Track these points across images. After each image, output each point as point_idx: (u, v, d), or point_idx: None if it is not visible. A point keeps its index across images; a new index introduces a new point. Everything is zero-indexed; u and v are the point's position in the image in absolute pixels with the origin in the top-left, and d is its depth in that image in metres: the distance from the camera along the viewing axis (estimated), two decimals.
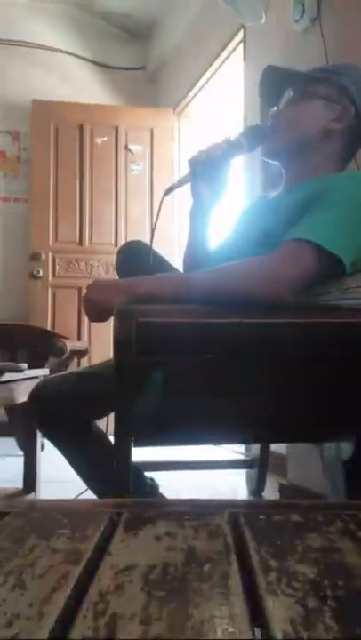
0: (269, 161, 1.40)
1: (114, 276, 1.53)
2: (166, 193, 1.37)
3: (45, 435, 1.38)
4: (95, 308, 1.15)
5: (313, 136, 1.30)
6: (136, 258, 1.40)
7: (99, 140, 4.05)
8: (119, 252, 1.48)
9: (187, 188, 1.44)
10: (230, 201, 1.50)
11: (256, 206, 1.47)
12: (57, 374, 1.51)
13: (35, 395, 1.34)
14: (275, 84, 1.39)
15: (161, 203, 1.33)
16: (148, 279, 1.15)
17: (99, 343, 3.59)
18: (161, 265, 1.42)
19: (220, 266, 1.14)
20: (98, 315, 1.15)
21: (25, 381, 1.91)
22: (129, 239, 3.98)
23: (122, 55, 4.36)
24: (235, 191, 3.42)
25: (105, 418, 1.32)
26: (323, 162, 1.31)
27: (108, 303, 1.08)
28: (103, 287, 1.17)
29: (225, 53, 3.34)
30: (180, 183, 1.42)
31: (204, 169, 1.36)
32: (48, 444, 1.41)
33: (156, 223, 1.32)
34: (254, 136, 1.37)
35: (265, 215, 1.29)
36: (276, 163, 1.39)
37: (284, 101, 1.36)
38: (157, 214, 1.34)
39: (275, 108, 1.40)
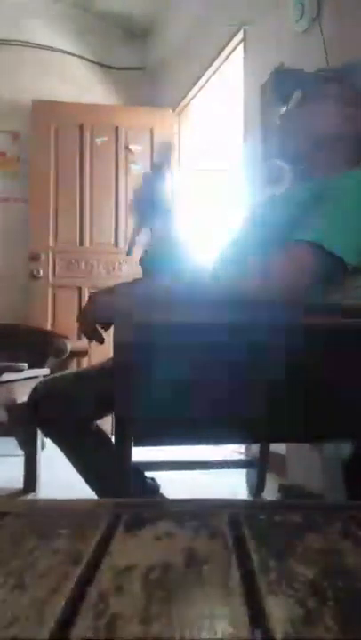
0: (283, 164, 1.40)
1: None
2: (129, 253, 1.38)
3: (47, 435, 1.38)
4: (99, 311, 1.15)
5: (326, 138, 1.30)
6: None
7: (99, 140, 4.05)
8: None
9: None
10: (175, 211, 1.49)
11: (266, 205, 1.46)
12: (56, 374, 1.52)
13: (35, 395, 1.34)
14: (284, 84, 1.38)
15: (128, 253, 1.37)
16: (150, 281, 1.15)
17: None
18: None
19: (225, 270, 1.15)
20: (93, 323, 1.16)
21: (25, 381, 1.92)
22: (129, 239, 4.01)
23: (122, 55, 4.35)
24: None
25: (107, 418, 1.33)
26: (334, 162, 1.30)
27: (112, 303, 1.08)
28: (106, 292, 1.18)
29: (225, 53, 3.34)
30: (136, 234, 1.40)
31: (146, 207, 1.36)
32: (48, 444, 1.41)
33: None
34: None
35: (274, 212, 1.29)
36: (288, 165, 1.39)
37: (294, 102, 1.35)
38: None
39: (284, 109, 1.38)
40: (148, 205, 1.36)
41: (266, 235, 1.21)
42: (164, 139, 4.10)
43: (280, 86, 1.40)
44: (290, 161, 1.38)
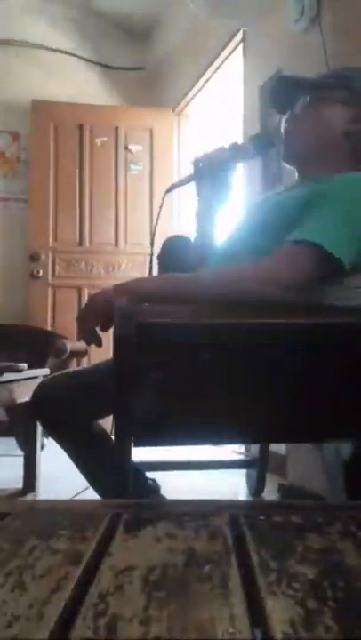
0: (287, 165, 1.41)
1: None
2: (168, 191, 1.40)
3: (50, 434, 1.39)
4: (99, 312, 1.14)
5: (331, 139, 1.31)
6: (175, 251, 1.50)
7: (98, 141, 4.05)
8: (163, 245, 1.59)
9: (189, 188, 1.46)
10: (234, 203, 1.53)
11: (265, 200, 1.49)
12: (58, 373, 1.52)
13: (37, 395, 1.34)
14: (287, 90, 1.40)
15: (163, 200, 1.36)
16: (149, 279, 1.16)
17: None
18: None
19: (223, 267, 1.15)
20: (94, 323, 1.15)
21: (25, 381, 1.91)
22: (129, 239, 4.03)
23: (122, 55, 4.35)
24: (237, 192, 3.42)
25: (107, 418, 1.33)
26: (338, 163, 1.31)
27: (111, 304, 1.08)
28: (105, 292, 1.18)
29: (225, 53, 3.34)
30: (182, 182, 1.45)
31: (209, 171, 1.38)
32: (48, 444, 1.42)
33: (158, 220, 1.38)
34: (261, 143, 1.42)
35: (271, 208, 1.31)
36: (293, 167, 1.40)
37: (300, 106, 1.37)
38: (159, 212, 1.38)
39: (288, 114, 1.40)
40: (206, 168, 1.39)
41: (260, 235, 1.21)
42: (163, 139, 4.11)
43: (279, 94, 1.42)
44: (295, 160, 1.39)
